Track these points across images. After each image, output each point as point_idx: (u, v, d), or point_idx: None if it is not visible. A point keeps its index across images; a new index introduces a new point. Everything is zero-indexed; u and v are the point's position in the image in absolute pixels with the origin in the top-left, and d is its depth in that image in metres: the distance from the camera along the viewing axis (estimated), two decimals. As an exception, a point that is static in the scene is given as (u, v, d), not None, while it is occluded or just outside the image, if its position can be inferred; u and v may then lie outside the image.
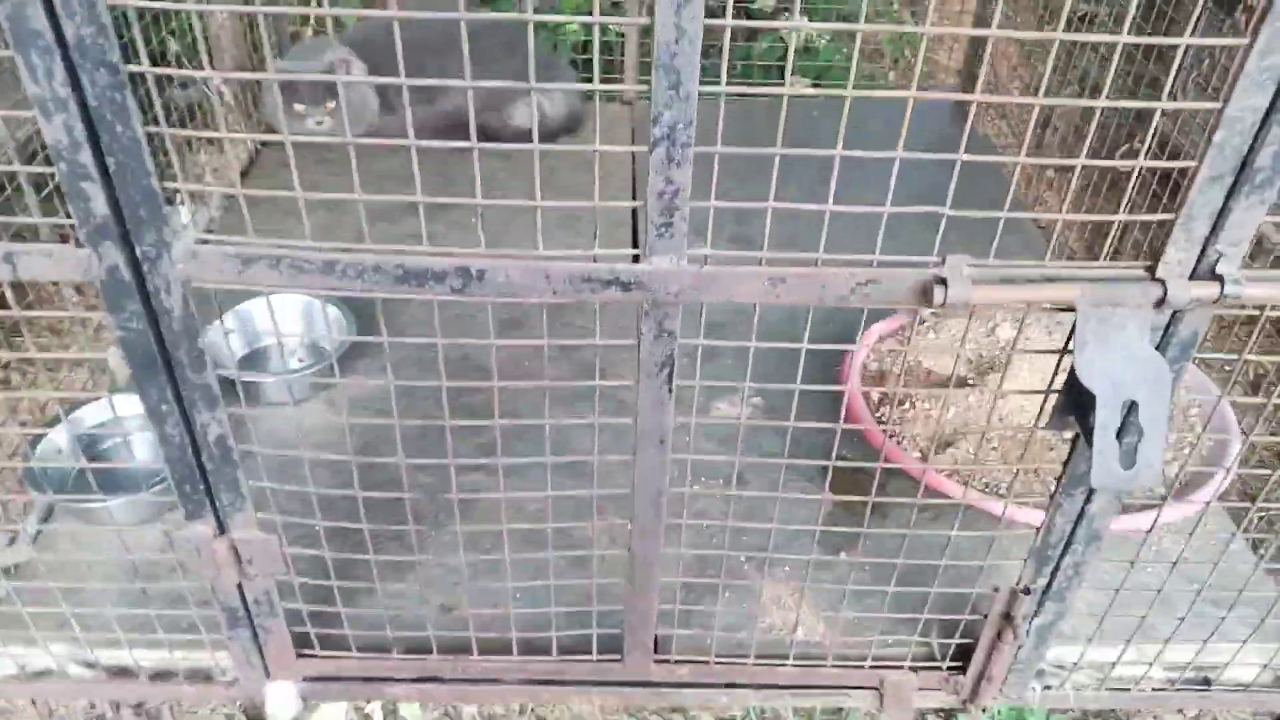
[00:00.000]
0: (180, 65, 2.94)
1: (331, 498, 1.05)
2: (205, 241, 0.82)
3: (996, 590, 1.12)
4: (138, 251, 0.82)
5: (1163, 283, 0.83)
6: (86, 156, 0.76)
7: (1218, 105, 0.76)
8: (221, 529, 1.03)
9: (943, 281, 0.82)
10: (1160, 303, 0.83)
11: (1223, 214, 0.81)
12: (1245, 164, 0.78)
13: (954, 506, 1.38)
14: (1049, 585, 1.09)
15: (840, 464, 1.06)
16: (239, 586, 1.08)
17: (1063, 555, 1.06)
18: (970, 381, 1.49)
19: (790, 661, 1.21)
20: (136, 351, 0.88)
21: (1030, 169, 2.67)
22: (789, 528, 1.21)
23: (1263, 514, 1.70)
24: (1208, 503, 1.29)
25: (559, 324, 1.82)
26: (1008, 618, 1.12)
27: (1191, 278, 0.84)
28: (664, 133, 0.76)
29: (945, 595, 1.21)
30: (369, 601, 1.19)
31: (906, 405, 1.49)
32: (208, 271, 0.83)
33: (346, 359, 1.66)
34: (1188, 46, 0.73)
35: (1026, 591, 1.09)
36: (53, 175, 0.78)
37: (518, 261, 0.83)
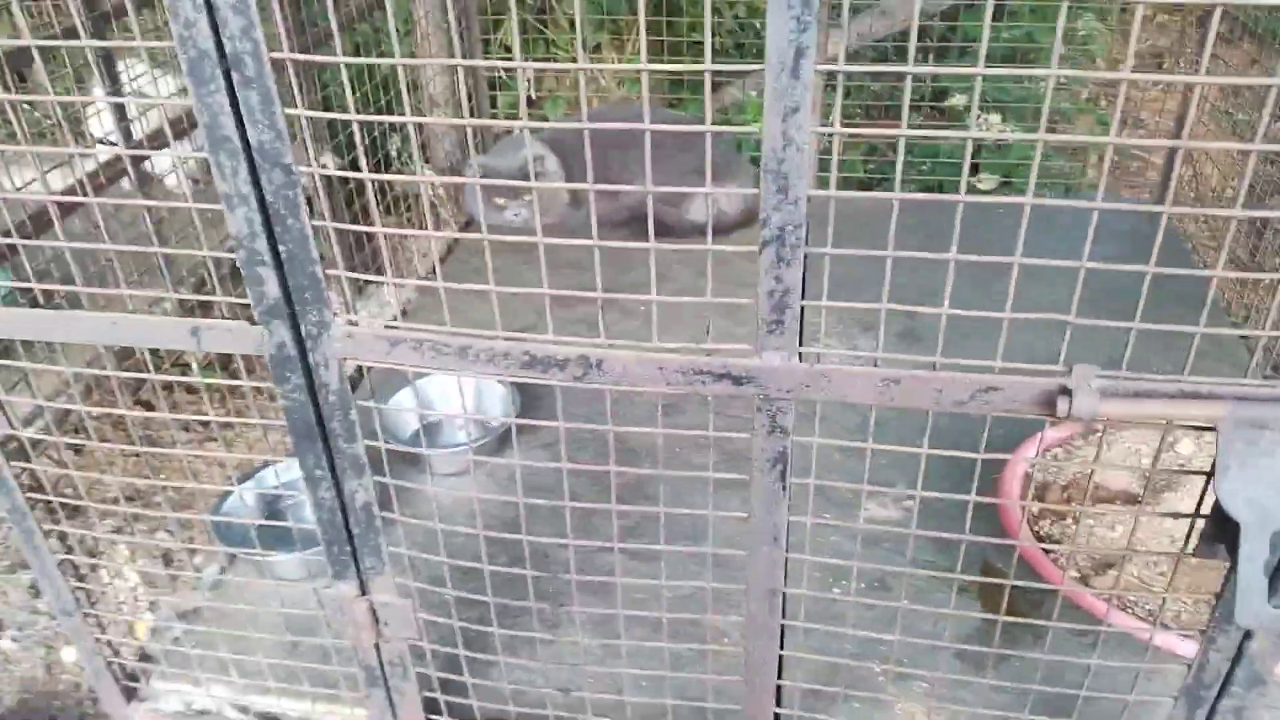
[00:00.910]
0: (400, 157, 3.25)
1: (475, 570, 1.10)
2: (355, 324, 0.91)
3: (1146, 729, 1.02)
4: (302, 330, 0.92)
5: (1320, 405, 0.76)
6: (262, 244, 0.86)
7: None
8: (363, 590, 1.10)
9: (1068, 392, 0.79)
10: (1317, 427, 0.76)
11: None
12: None
13: (1112, 634, 1.28)
14: (1208, 731, 0.99)
15: (977, 579, 1.02)
16: (376, 647, 1.14)
17: (1219, 698, 0.96)
18: (1141, 500, 1.39)
19: (917, 783, 1.14)
20: (297, 421, 0.97)
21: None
22: (924, 642, 1.16)
23: None
24: None
25: (718, 413, 1.84)
26: (1159, 763, 1.02)
27: (1358, 401, 0.77)
28: (773, 235, 0.78)
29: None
30: (495, 674, 1.23)
31: (1069, 521, 1.40)
32: (361, 351, 0.92)
33: (510, 436, 1.74)
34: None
35: (1179, 735, 0.99)
36: (233, 261, 0.89)
37: (633, 353, 0.87)
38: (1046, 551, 1.34)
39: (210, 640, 1.24)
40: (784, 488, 0.92)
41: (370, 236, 2.49)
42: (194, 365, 2.48)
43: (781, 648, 1.33)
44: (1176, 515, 0.90)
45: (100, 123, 2.95)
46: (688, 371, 0.87)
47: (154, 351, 2.11)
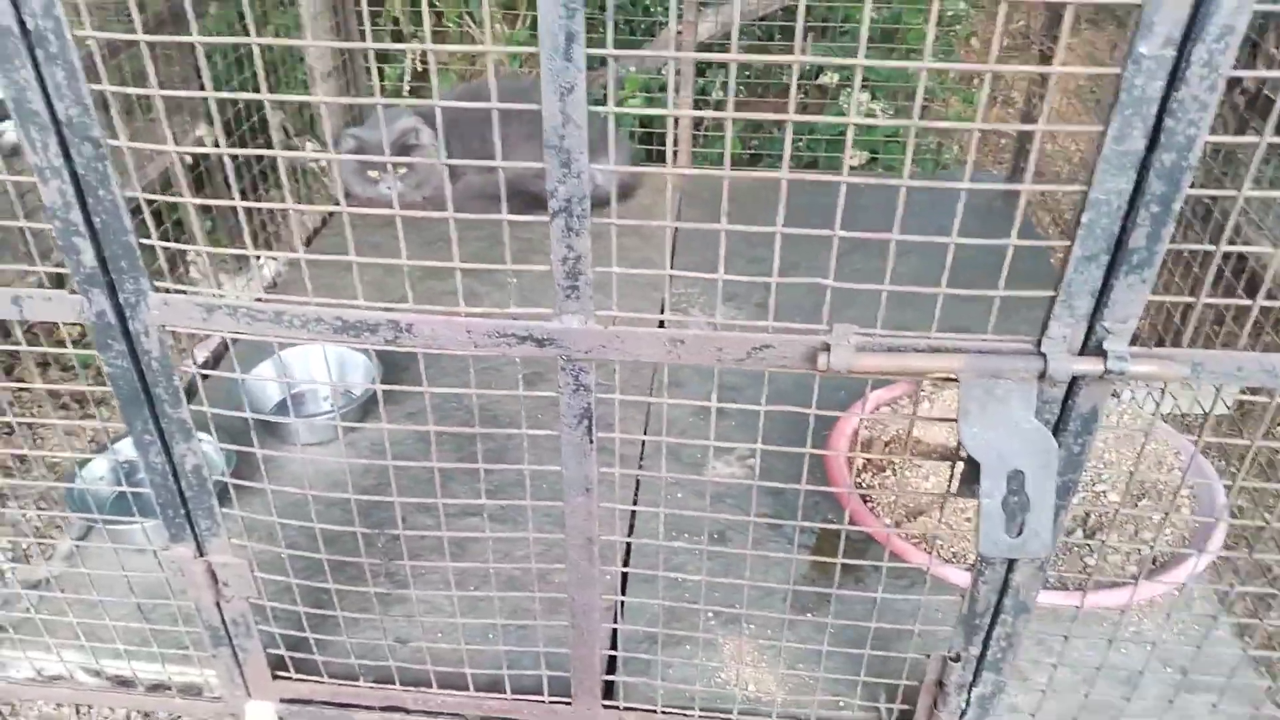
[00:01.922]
0: (286, 133, 3.21)
1: (330, 536, 1.14)
2: (170, 291, 0.94)
3: (928, 657, 1.13)
4: (120, 299, 0.94)
5: (1044, 356, 0.86)
6: (77, 215, 0.89)
7: (1084, 189, 0.80)
8: (200, 551, 1.13)
9: (828, 348, 0.87)
10: (1042, 376, 0.86)
11: (1104, 291, 0.84)
12: (1120, 244, 0.82)
13: (919, 574, 1.40)
14: (982, 655, 1.10)
15: (804, 524, 1.10)
16: (218, 607, 1.18)
17: (992, 625, 1.07)
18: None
19: (735, 717, 1.24)
20: (123, 387, 1.00)
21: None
22: (758, 584, 1.25)
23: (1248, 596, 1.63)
24: (1183, 583, 1.28)
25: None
26: (940, 685, 1.13)
27: (1080, 353, 0.87)
28: (561, 205, 0.84)
29: (890, 660, 1.23)
30: (339, 630, 1.28)
31: (888, 473, 1.51)
32: (178, 318, 0.95)
33: (373, 405, 1.78)
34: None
35: (956, 659, 1.10)
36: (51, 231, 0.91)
37: (441, 318, 0.92)
38: (865, 500, 1.45)
39: (61, 608, 1.26)
40: (591, 441, 0.99)
41: (255, 209, 2.48)
42: (66, 340, 2.45)
43: (623, 594, 1.41)
44: (947, 459, 0.99)
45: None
46: (493, 334, 0.93)
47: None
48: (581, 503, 1.04)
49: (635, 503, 1.59)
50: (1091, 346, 0.87)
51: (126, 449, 1.56)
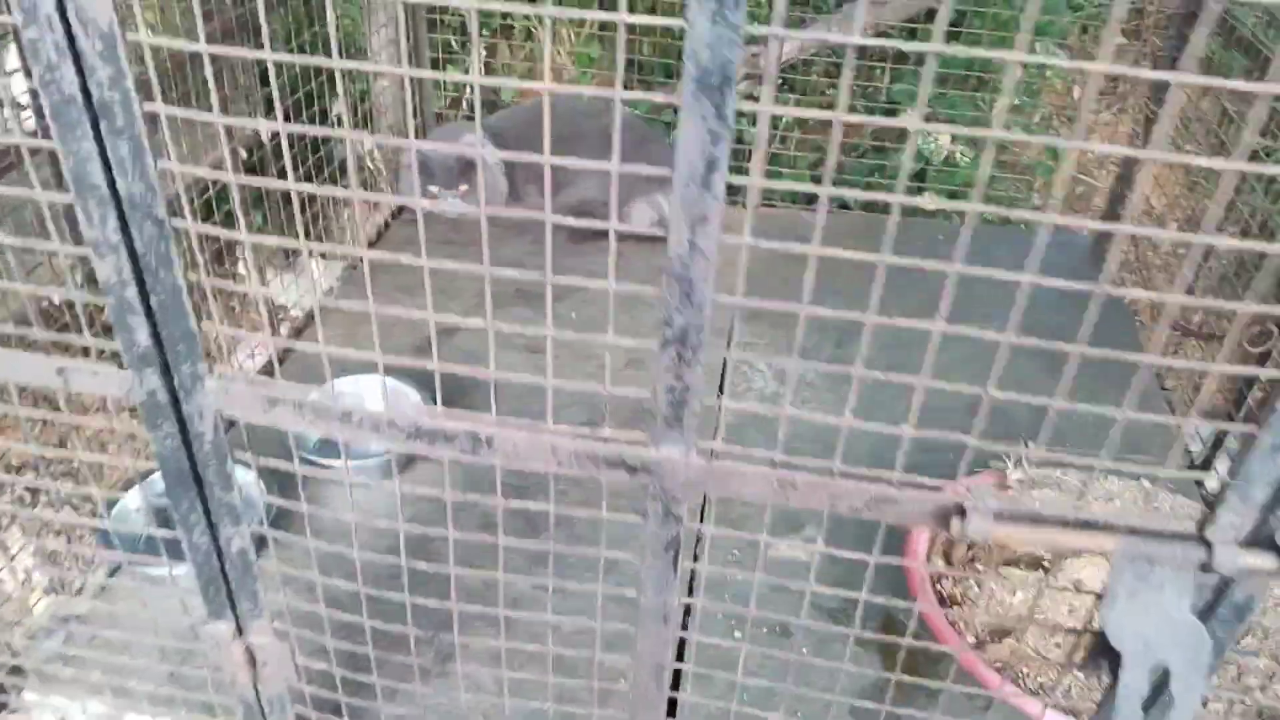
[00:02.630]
0: (341, 123, 3.13)
1: (370, 597, 1.05)
2: (234, 380, 0.86)
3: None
4: (174, 380, 0.86)
5: (1209, 546, 0.75)
6: (133, 294, 0.81)
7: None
8: (240, 631, 1.05)
9: (962, 512, 0.77)
10: (1205, 567, 0.76)
11: (1288, 481, 0.73)
12: (1315, 433, 0.71)
13: (994, 701, 1.29)
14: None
15: (871, 636, 1.01)
16: (255, 686, 1.10)
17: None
18: (1045, 565, 1.40)
19: None
20: (170, 466, 0.92)
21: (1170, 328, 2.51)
22: (821, 696, 1.15)
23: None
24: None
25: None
26: None
27: (1247, 544, 0.76)
28: (675, 335, 0.74)
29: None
30: (380, 707, 1.20)
31: (972, 581, 1.41)
32: (237, 406, 0.87)
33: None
34: None
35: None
36: (102, 307, 0.83)
37: (524, 433, 0.83)
38: (948, 612, 1.35)
39: (89, 649, 1.19)
40: (675, 571, 0.90)
41: (311, 199, 2.41)
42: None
43: (675, 688, 1.32)
44: (1090, 592, 0.89)
45: None
46: (582, 456, 0.83)
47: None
48: (656, 632, 0.95)
49: (690, 584, 1.50)
50: (1263, 538, 0.76)
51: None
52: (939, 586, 1.40)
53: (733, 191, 2.49)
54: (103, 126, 0.72)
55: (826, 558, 0.92)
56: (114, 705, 1.24)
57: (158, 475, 1.48)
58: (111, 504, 1.43)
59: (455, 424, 0.84)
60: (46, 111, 0.72)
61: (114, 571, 1.41)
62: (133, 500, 1.46)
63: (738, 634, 1.40)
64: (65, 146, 0.73)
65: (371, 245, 2.40)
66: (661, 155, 2.42)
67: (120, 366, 0.86)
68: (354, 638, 1.09)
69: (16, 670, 1.28)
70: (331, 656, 1.07)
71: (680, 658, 1.33)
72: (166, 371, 0.86)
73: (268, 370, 1.89)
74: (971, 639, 1.33)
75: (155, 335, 0.83)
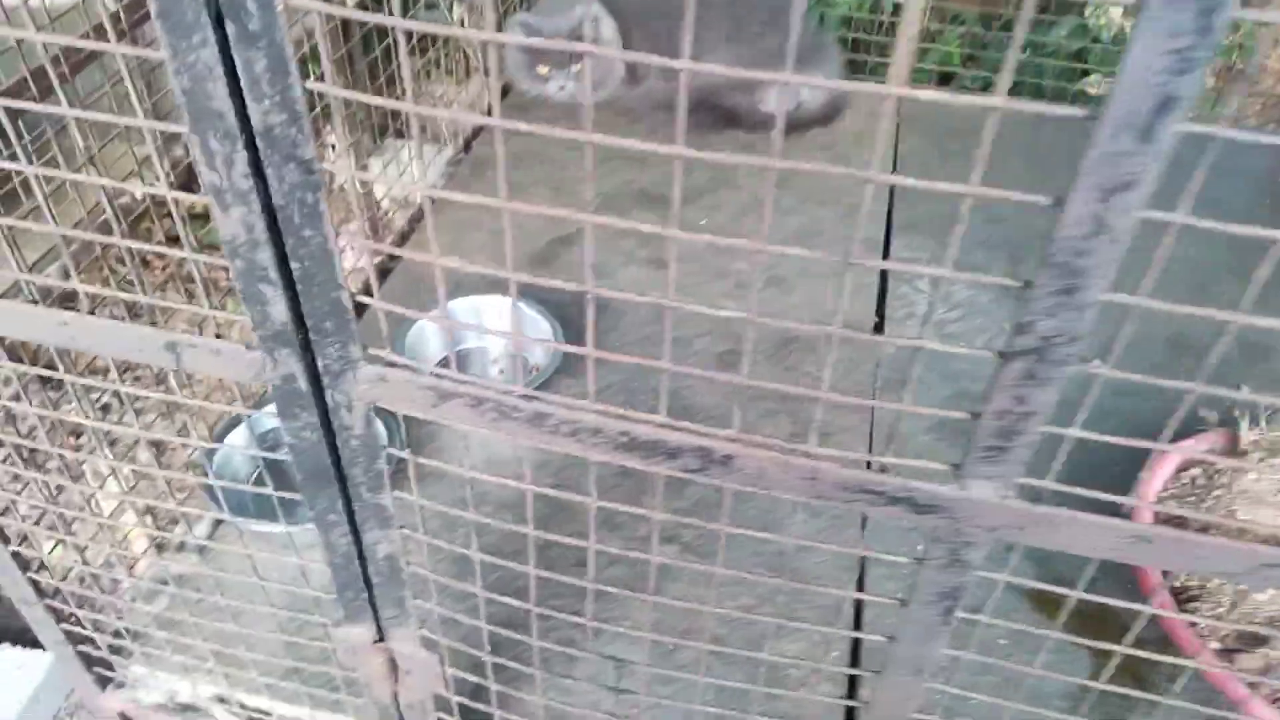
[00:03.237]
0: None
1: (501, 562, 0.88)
2: (393, 365, 0.66)
3: None
4: (319, 364, 0.66)
5: None
6: (267, 257, 0.60)
7: None
8: (381, 636, 0.89)
9: None
10: None
11: None
12: None
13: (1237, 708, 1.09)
14: None
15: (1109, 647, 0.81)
16: (395, 695, 0.95)
17: None
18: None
19: None
20: (306, 461, 0.74)
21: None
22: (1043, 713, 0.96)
23: None
24: None
25: (781, 367, 1.60)
26: None
27: None
28: (1035, 344, 0.52)
29: None
30: (529, 691, 1.04)
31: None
32: (397, 399, 0.67)
33: (550, 378, 1.50)
34: None
35: None
36: (226, 269, 0.62)
37: (771, 454, 0.62)
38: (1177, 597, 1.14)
39: (196, 621, 1.04)
40: (948, 623, 0.70)
41: (391, 80, 2.17)
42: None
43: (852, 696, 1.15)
44: None
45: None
46: (850, 488, 0.62)
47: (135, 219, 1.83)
48: (906, 683, 0.75)
49: (862, 569, 1.30)
50: None
51: (268, 420, 1.31)
52: (1173, 581, 1.18)
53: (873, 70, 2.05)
54: (229, 30, 0.50)
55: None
56: (227, 685, 1.11)
57: (265, 412, 1.32)
58: (211, 454, 1.26)
59: (680, 437, 0.63)
60: (151, 7, 0.50)
61: (213, 531, 1.26)
62: (237, 439, 1.30)
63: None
64: (178, 59, 0.51)
65: (469, 142, 2.16)
66: (803, 32, 2.13)
67: (247, 345, 0.67)
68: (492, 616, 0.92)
69: (120, 635, 1.15)
70: (484, 638, 0.90)
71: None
72: (308, 351, 0.66)
73: (365, 290, 1.70)
74: (1216, 645, 1.12)
75: (296, 309, 0.63)
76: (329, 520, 0.78)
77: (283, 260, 0.61)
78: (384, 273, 1.76)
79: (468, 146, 2.13)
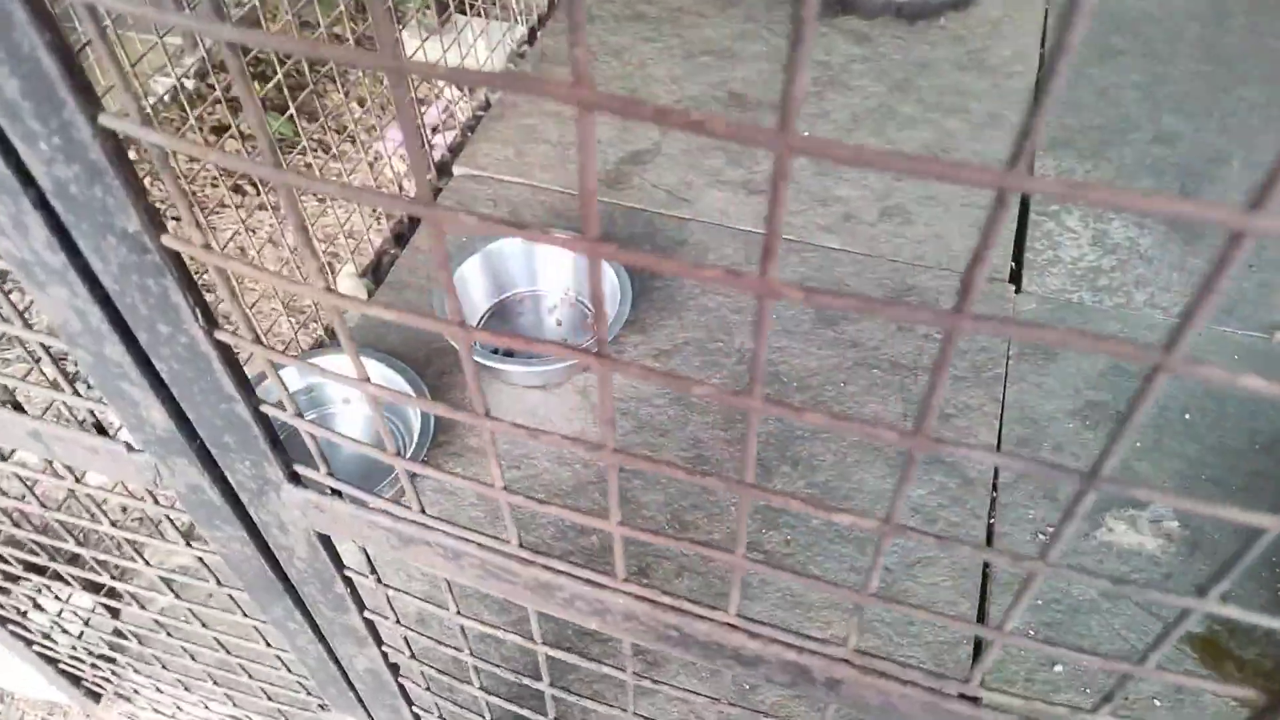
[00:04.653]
0: None
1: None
2: (330, 492, 0.44)
3: None
4: (228, 478, 0.46)
5: None
6: (118, 352, 0.39)
7: None
8: (377, 730, 0.71)
9: None
10: None
11: None
12: None
13: None
14: None
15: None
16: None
17: None
18: None
19: None
20: (245, 570, 0.54)
21: None
22: None
23: None
24: None
25: (895, 326, 1.34)
26: None
27: None
28: None
29: None
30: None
31: None
32: (343, 532, 0.46)
33: (616, 335, 1.28)
34: None
35: None
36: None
37: (887, 681, 0.39)
38: None
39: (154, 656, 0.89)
40: None
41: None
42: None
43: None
44: None
45: None
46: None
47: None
48: None
49: (984, 573, 1.08)
50: None
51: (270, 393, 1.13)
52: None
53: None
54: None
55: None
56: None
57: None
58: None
59: (758, 646, 0.41)
60: None
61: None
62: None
63: (1058, 667, 0.99)
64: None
65: (541, 22, 1.87)
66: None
67: (129, 447, 0.46)
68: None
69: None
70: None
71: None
72: (212, 463, 0.45)
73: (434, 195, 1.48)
74: None
75: (177, 414, 0.42)
76: (289, 628, 0.59)
77: (143, 358, 0.39)
78: (435, 191, 1.54)
79: (532, 36, 1.85)
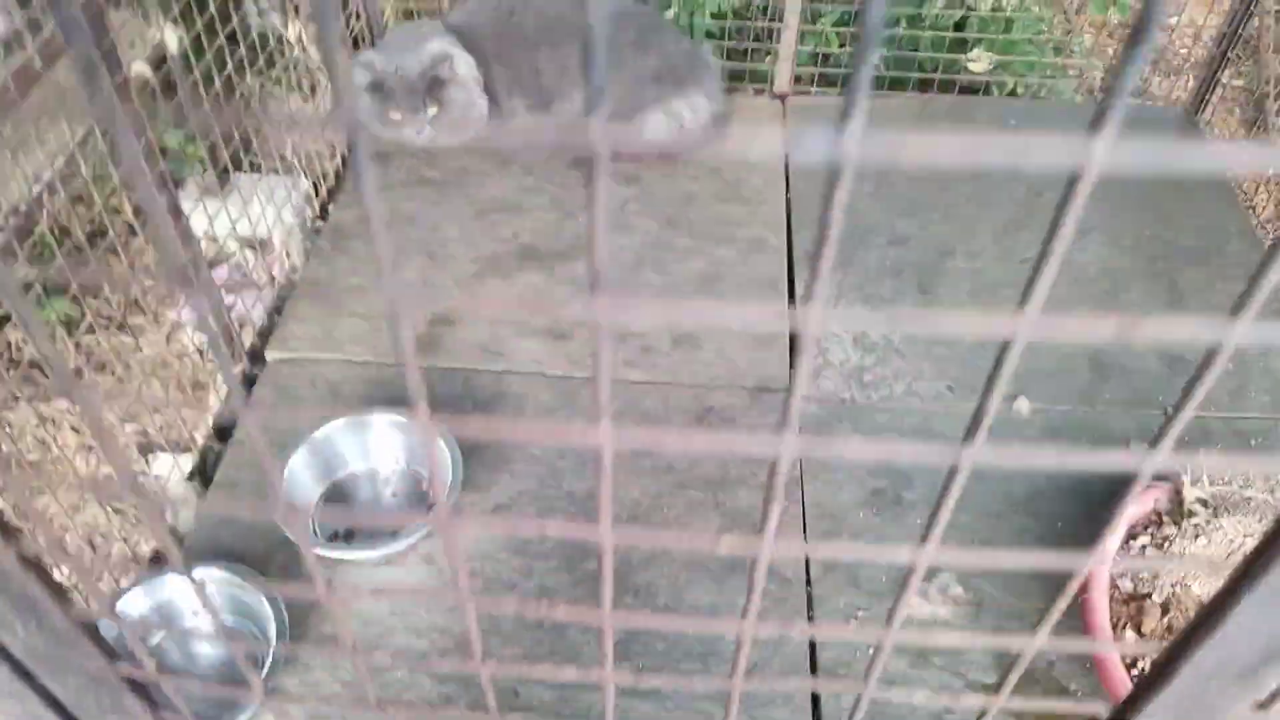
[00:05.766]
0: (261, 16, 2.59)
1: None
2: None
3: None
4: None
5: None
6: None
7: None
8: None
9: None
10: None
11: None
12: None
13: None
14: None
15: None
16: None
17: None
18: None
19: None
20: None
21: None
22: None
23: None
24: None
25: (691, 457, 1.48)
26: None
27: None
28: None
29: None
30: None
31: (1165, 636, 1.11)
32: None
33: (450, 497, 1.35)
34: None
35: None
36: None
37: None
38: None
39: None
40: None
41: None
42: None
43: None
44: None
45: None
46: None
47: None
48: None
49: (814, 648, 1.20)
50: None
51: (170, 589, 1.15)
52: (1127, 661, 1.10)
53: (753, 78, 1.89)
54: None
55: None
56: None
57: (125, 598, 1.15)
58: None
59: None
60: None
61: None
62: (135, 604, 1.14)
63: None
64: None
65: (331, 195, 1.97)
66: (677, 49, 1.97)
67: None
68: None
69: None
70: None
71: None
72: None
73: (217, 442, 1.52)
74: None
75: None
76: None
77: None
78: (249, 381, 1.58)
79: (324, 212, 1.93)
